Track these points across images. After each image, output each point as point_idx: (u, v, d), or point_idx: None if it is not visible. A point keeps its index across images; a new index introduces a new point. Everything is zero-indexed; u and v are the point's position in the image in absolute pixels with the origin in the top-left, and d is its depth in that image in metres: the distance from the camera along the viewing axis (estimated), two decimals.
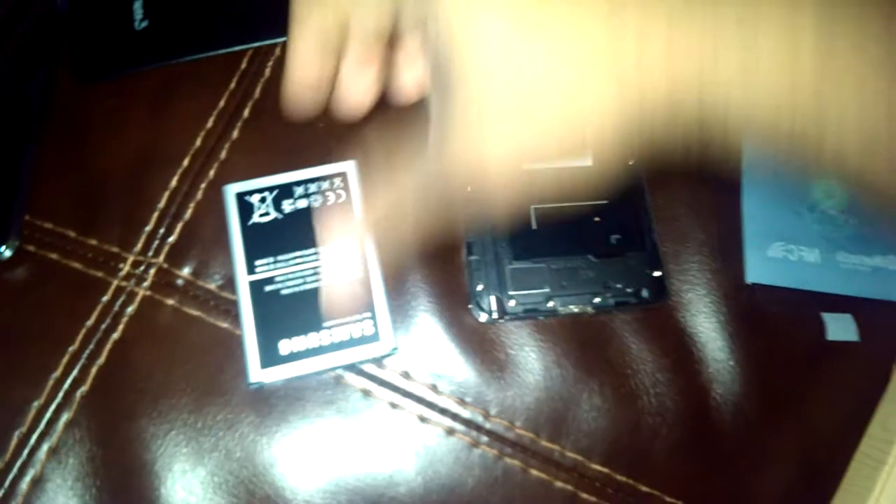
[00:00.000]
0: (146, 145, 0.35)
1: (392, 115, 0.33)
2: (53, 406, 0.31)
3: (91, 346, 0.32)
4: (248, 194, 0.33)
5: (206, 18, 0.38)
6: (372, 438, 0.32)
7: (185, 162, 0.35)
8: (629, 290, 0.35)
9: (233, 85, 0.37)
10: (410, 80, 0.32)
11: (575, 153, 0.24)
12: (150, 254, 0.34)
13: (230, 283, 0.33)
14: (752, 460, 0.34)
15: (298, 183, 0.34)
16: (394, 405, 0.32)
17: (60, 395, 0.31)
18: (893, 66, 0.21)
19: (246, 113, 0.37)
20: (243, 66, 0.37)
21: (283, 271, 0.32)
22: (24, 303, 0.32)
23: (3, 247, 0.32)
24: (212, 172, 0.35)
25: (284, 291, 0.32)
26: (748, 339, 0.35)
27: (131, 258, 0.34)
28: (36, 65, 0.36)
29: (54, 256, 0.33)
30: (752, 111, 0.23)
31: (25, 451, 0.30)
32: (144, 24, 0.37)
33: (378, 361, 0.33)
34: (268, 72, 0.37)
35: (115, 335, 0.32)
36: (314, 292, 0.32)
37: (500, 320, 0.34)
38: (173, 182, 0.35)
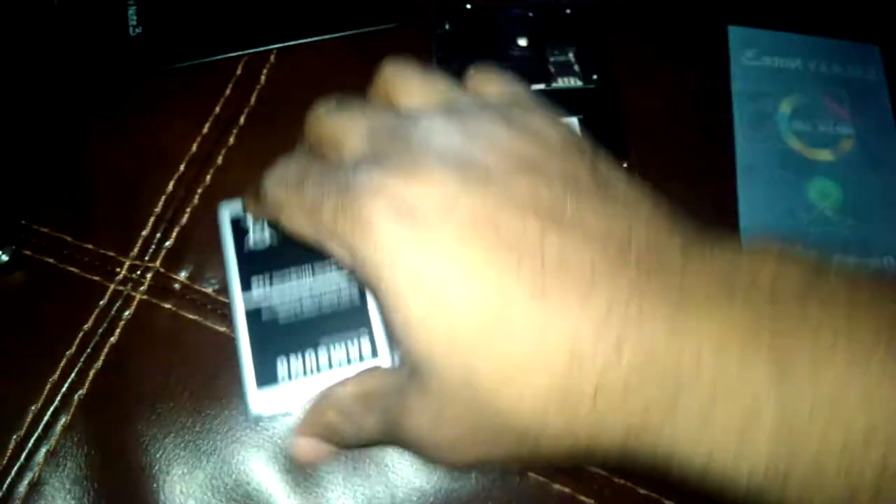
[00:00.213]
0: (142, 151, 0.36)
1: None
2: (51, 410, 0.31)
3: (88, 350, 0.32)
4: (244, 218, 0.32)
5: (200, 25, 0.38)
6: None
7: (182, 167, 0.36)
8: None
9: (228, 91, 0.37)
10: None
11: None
12: (147, 258, 0.34)
13: (226, 288, 0.33)
14: None
15: None
16: None
17: (58, 398, 0.31)
18: None
19: (242, 120, 0.37)
20: (238, 72, 0.38)
21: (279, 291, 0.31)
22: (21, 307, 0.33)
23: (0, 252, 0.33)
24: (208, 178, 0.36)
25: (281, 312, 0.31)
26: None
27: (128, 262, 0.34)
28: (31, 71, 0.36)
29: (51, 261, 0.33)
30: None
31: (23, 455, 0.30)
32: (139, 30, 0.37)
33: None
34: (263, 78, 0.38)
35: (113, 339, 0.33)
36: (311, 312, 0.31)
37: None
38: (169, 187, 0.35)
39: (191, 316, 0.33)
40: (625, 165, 0.37)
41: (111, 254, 0.34)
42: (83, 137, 0.36)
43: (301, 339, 0.30)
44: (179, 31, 0.38)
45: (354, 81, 0.38)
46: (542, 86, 0.38)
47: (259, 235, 0.32)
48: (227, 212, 0.32)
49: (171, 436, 0.31)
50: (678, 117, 0.39)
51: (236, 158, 0.36)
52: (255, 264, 0.31)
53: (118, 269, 0.34)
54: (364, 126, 0.24)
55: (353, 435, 0.27)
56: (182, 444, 0.31)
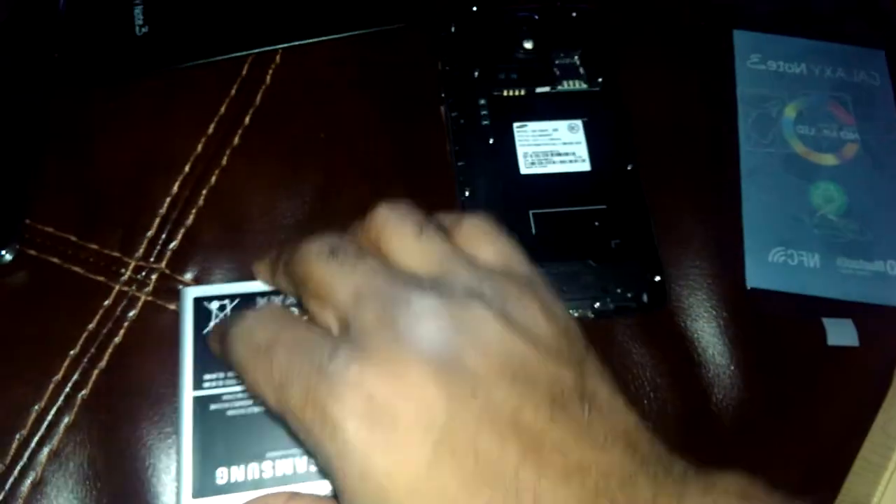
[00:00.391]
0: (147, 151, 0.36)
1: None
2: (54, 409, 0.31)
3: (92, 350, 0.32)
4: (208, 300, 0.31)
5: (206, 24, 0.38)
6: None
7: (187, 168, 0.35)
8: (629, 294, 0.35)
9: (233, 92, 0.37)
10: None
11: None
12: (153, 259, 0.34)
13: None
14: (753, 465, 0.34)
15: (263, 294, 0.31)
16: None
17: (61, 398, 0.31)
18: None
19: (247, 120, 0.37)
20: (244, 72, 0.38)
21: (232, 390, 0.29)
22: (25, 307, 0.33)
23: (4, 251, 0.32)
24: (213, 179, 0.36)
25: (230, 412, 0.29)
26: (749, 344, 0.35)
27: (133, 263, 0.34)
28: (37, 70, 0.36)
29: (55, 261, 0.33)
30: None
31: (26, 455, 0.30)
32: (145, 30, 0.37)
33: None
34: (268, 79, 0.38)
35: (117, 339, 0.32)
36: (261, 416, 0.29)
37: None
38: (175, 188, 0.35)
39: None
40: (629, 168, 0.37)
41: (116, 255, 0.34)
42: (88, 137, 0.36)
43: (247, 442, 0.29)
44: (185, 31, 0.38)
45: (359, 82, 0.38)
46: (546, 88, 0.38)
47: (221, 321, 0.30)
48: (191, 293, 0.31)
49: (173, 436, 0.31)
50: (683, 121, 0.39)
51: (241, 159, 0.36)
52: (212, 355, 0.29)
53: (123, 270, 0.34)
54: (353, 284, 0.23)
55: None
56: None
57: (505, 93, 0.38)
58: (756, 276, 0.36)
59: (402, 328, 0.21)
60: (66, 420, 0.31)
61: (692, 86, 0.40)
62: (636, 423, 0.22)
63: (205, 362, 0.30)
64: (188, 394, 0.29)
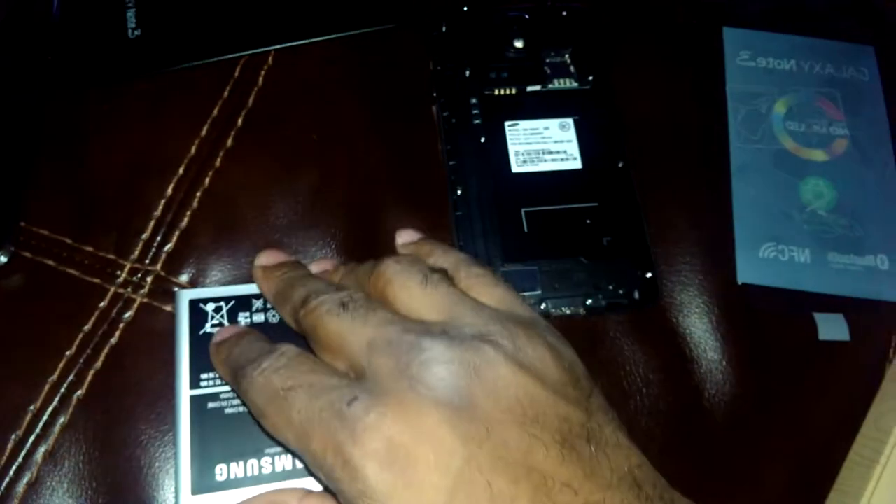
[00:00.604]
0: (141, 153, 0.36)
1: None
2: (50, 410, 0.31)
3: (88, 351, 0.32)
4: (203, 302, 0.31)
5: (198, 27, 0.38)
6: None
7: (181, 170, 0.36)
8: (621, 291, 0.35)
9: (226, 93, 0.37)
10: None
11: None
12: (148, 261, 0.34)
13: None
14: (746, 460, 0.34)
15: (258, 296, 0.32)
16: None
17: (57, 399, 0.31)
18: None
19: (240, 122, 0.37)
20: (236, 74, 0.38)
21: (229, 388, 0.30)
22: (21, 308, 0.33)
23: None
24: (207, 181, 0.36)
25: (228, 410, 0.30)
26: (740, 340, 0.36)
27: (128, 265, 0.34)
28: (31, 73, 0.37)
29: (50, 263, 0.33)
30: None
31: (21, 455, 0.31)
32: (138, 32, 0.37)
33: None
34: (261, 80, 0.38)
35: (113, 340, 0.33)
36: None
37: None
38: (169, 190, 0.35)
39: None
40: (620, 166, 0.37)
41: (112, 257, 0.34)
42: (82, 139, 0.36)
43: (245, 439, 0.29)
44: (178, 34, 0.38)
45: (351, 83, 0.38)
46: (538, 87, 0.39)
47: (217, 322, 0.31)
48: (186, 295, 0.31)
49: (169, 436, 0.31)
50: (673, 118, 0.40)
51: (235, 160, 0.36)
52: (208, 355, 0.30)
53: (119, 273, 0.34)
54: (366, 336, 0.24)
55: None
56: None
57: (496, 92, 0.38)
58: (747, 272, 0.36)
59: (416, 374, 0.22)
60: (61, 420, 0.31)
61: (683, 83, 0.41)
62: (639, 459, 0.23)
63: (201, 362, 0.30)
64: (185, 392, 0.30)
